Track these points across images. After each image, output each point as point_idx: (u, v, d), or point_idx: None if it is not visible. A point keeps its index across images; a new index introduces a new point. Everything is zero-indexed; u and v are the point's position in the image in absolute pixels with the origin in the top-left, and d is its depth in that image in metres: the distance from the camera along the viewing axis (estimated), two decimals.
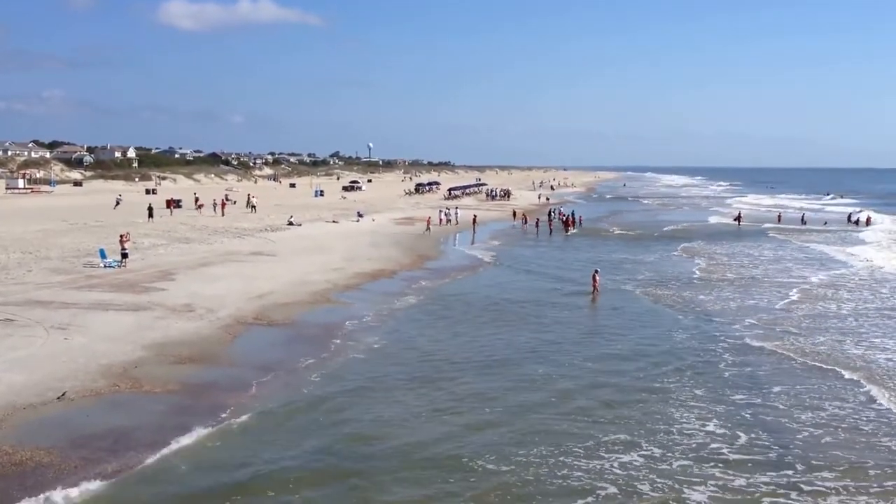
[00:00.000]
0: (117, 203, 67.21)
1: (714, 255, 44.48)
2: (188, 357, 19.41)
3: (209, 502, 12.08)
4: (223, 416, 15.58)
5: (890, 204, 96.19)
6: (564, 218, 62.97)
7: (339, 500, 12.27)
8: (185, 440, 14.21)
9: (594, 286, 31.16)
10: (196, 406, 16.14)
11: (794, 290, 31.96)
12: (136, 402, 16.10)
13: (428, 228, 55.01)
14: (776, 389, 18.13)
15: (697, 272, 37.57)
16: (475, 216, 61.75)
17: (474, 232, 56.55)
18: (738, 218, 70.34)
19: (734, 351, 21.82)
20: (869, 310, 28.20)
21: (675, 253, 45.60)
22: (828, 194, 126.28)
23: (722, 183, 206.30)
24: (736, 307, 28.49)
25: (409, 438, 14.73)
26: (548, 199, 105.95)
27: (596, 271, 32.19)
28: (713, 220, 74.78)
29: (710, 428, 15.45)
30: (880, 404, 17.15)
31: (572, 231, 59.23)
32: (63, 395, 15.92)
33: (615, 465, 13.57)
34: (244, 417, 15.54)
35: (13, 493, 11.90)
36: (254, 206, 67.81)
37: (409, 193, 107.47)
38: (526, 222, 63.20)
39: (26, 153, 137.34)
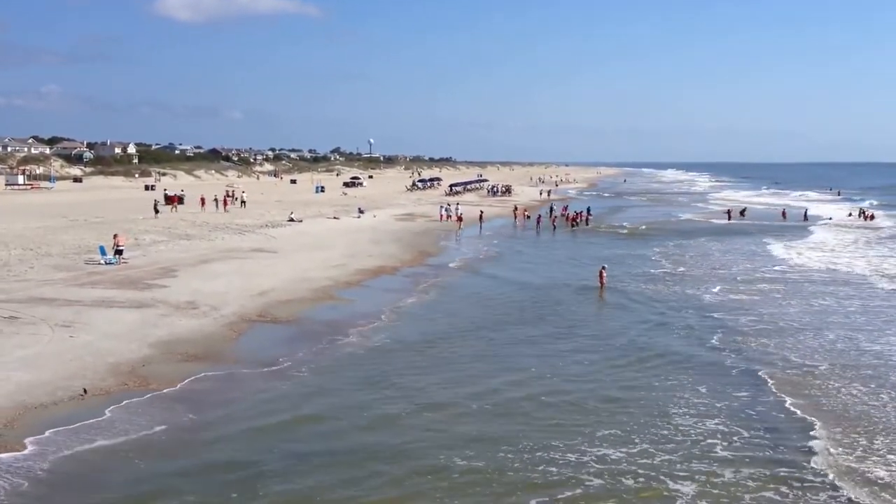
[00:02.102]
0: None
1: (674, 251, 44.21)
2: (194, 355, 19.48)
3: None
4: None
5: (863, 200, 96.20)
6: (574, 214, 62.98)
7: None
8: None
9: (601, 282, 31.20)
10: None
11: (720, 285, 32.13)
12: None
13: (459, 227, 55.67)
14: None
15: (664, 268, 37.41)
16: (482, 212, 61.78)
17: (480, 227, 56.64)
18: (730, 215, 69.74)
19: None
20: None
21: (653, 251, 44.69)
22: (831, 188, 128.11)
23: (711, 179, 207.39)
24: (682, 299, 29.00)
25: (415, 434, 14.82)
26: (549, 193, 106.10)
27: (603, 267, 32.27)
28: (685, 215, 74.46)
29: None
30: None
31: (580, 227, 59.15)
32: (85, 392, 16.07)
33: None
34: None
35: None
36: (243, 202, 67.57)
37: (410, 189, 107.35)
38: (525, 218, 63.25)
39: (26, 149, 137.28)
